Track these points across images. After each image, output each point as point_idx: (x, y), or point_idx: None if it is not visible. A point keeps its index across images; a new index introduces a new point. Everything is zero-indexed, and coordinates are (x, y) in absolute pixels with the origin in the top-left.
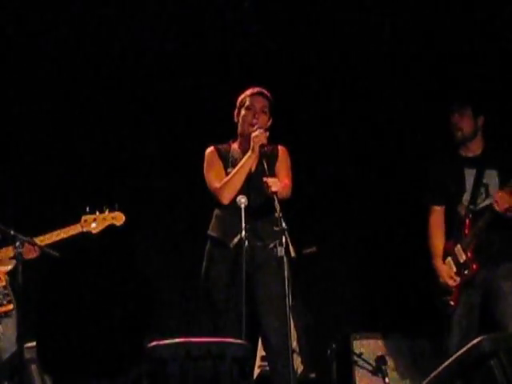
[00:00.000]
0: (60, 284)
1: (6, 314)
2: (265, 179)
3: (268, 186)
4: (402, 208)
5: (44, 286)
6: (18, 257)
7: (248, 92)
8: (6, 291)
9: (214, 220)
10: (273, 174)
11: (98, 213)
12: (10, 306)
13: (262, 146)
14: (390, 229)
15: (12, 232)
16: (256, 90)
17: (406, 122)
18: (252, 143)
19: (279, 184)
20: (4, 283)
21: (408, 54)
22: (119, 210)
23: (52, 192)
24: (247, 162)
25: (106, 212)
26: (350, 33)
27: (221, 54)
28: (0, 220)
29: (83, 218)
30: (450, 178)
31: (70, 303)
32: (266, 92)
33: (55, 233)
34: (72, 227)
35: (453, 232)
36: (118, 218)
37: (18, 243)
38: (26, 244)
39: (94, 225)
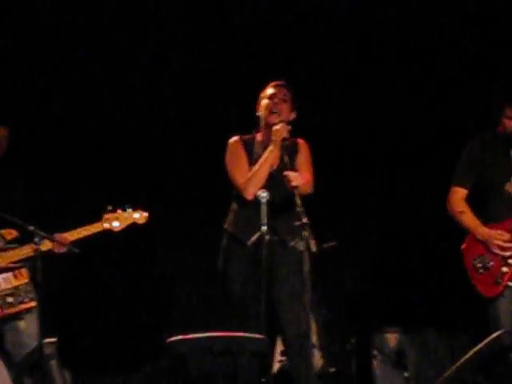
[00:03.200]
0: (80, 280)
1: (28, 311)
2: (285, 173)
3: (289, 181)
4: (426, 201)
5: (64, 282)
6: (36, 252)
7: (270, 84)
8: (28, 288)
9: (231, 214)
10: (293, 169)
11: (120, 211)
12: (33, 303)
13: (283, 140)
14: (410, 223)
15: (31, 228)
16: (278, 82)
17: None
18: (273, 137)
19: (300, 178)
20: (27, 280)
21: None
22: (142, 208)
23: (74, 189)
24: (269, 156)
25: (129, 210)
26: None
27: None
28: (21, 217)
29: (105, 216)
30: (492, 159)
31: (89, 299)
32: (287, 84)
33: (76, 231)
34: (94, 225)
35: (498, 214)
36: (141, 217)
37: (36, 239)
38: (57, 239)
39: (115, 223)
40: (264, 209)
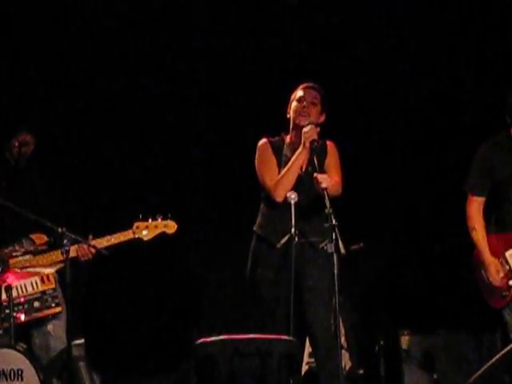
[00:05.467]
0: (108, 282)
1: (54, 316)
2: (315, 175)
3: (318, 183)
4: (450, 203)
5: (92, 284)
6: (65, 255)
7: (300, 86)
8: (55, 293)
9: (260, 217)
10: (322, 171)
11: (150, 220)
12: (58, 309)
13: (312, 142)
14: (436, 226)
15: (60, 230)
16: (308, 84)
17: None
18: (303, 139)
19: (329, 180)
20: (53, 285)
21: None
22: (172, 218)
23: (106, 198)
24: (298, 159)
25: (159, 220)
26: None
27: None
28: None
29: (135, 224)
30: (504, 163)
31: (118, 301)
32: (317, 86)
33: (106, 238)
34: (124, 233)
35: (509, 222)
36: (170, 227)
37: (65, 241)
38: (82, 247)
39: (145, 232)
40: (293, 210)
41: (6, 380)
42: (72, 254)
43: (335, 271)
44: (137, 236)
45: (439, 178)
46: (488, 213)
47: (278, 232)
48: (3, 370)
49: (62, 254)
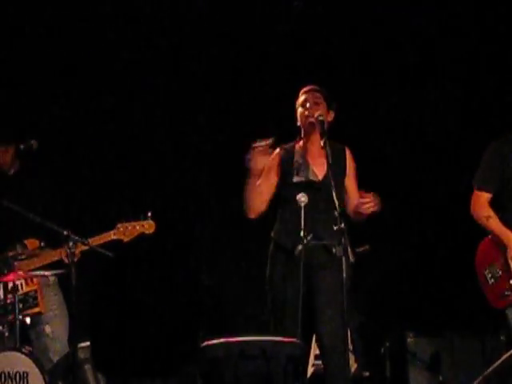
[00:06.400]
0: (113, 284)
1: (51, 318)
2: (362, 201)
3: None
4: (456, 205)
5: (97, 286)
6: (71, 258)
7: (301, 91)
8: (36, 294)
9: (277, 223)
10: (342, 177)
11: (132, 221)
12: (37, 309)
13: (321, 123)
14: (442, 228)
15: (65, 232)
16: (308, 87)
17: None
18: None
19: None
20: (35, 287)
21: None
22: (151, 218)
23: (94, 199)
24: (249, 183)
25: (137, 221)
26: None
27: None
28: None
29: (118, 225)
30: None
31: (123, 303)
32: (318, 87)
33: (90, 240)
34: (105, 235)
35: None
36: (148, 227)
37: (71, 243)
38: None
39: (125, 233)
40: (303, 213)
41: (12, 383)
42: (57, 256)
43: (345, 275)
44: (116, 237)
45: (446, 179)
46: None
47: (293, 238)
48: (9, 373)
49: (67, 256)
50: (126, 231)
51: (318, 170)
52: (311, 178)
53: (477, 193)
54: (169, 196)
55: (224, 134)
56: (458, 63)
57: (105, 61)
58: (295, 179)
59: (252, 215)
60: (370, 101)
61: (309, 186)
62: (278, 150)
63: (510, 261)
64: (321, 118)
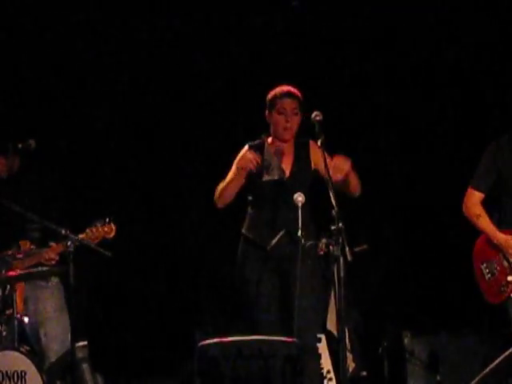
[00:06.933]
0: (111, 283)
1: (49, 318)
2: (334, 161)
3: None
4: (453, 204)
5: (95, 286)
6: (68, 257)
7: (277, 92)
8: (8, 298)
9: (247, 219)
10: (308, 171)
11: (98, 226)
12: (9, 311)
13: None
14: (439, 228)
15: (63, 231)
16: (285, 89)
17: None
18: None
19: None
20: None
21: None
22: (112, 222)
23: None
24: (234, 180)
25: (97, 226)
26: None
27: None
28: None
29: (87, 229)
30: (509, 163)
31: (120, 302)
32: (294, 91)
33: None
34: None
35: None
36: (109, 231)
37: (69, 243)
38: (47, 252)
39: (90, 238)
40: (300, 213)
41: (10, 382)
42: (36, 260)
43: (342, 275)
44: (82, 243)
45: (443, 178)
46: (491, 211)
47: (265, 234)
48: (7, 372)
49: (67, 255)
50: (91, 236)
51: (287, 167)
52: (281, 176)
53: (470, 191)
54: (169, 196)
55: (224, 134)
56: (458, 63)
57: (104, 61)
58: (265, 178)
59: (221, 206)
60: (369, 101)
61: (279, 184)
62: (246, 147)
63: (510, 258)
64: (318, 119)
